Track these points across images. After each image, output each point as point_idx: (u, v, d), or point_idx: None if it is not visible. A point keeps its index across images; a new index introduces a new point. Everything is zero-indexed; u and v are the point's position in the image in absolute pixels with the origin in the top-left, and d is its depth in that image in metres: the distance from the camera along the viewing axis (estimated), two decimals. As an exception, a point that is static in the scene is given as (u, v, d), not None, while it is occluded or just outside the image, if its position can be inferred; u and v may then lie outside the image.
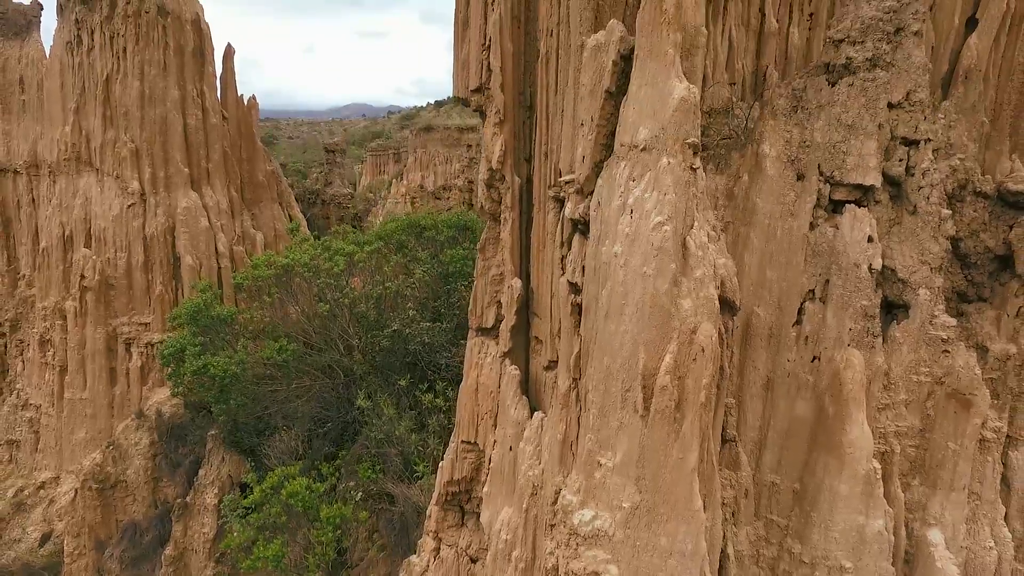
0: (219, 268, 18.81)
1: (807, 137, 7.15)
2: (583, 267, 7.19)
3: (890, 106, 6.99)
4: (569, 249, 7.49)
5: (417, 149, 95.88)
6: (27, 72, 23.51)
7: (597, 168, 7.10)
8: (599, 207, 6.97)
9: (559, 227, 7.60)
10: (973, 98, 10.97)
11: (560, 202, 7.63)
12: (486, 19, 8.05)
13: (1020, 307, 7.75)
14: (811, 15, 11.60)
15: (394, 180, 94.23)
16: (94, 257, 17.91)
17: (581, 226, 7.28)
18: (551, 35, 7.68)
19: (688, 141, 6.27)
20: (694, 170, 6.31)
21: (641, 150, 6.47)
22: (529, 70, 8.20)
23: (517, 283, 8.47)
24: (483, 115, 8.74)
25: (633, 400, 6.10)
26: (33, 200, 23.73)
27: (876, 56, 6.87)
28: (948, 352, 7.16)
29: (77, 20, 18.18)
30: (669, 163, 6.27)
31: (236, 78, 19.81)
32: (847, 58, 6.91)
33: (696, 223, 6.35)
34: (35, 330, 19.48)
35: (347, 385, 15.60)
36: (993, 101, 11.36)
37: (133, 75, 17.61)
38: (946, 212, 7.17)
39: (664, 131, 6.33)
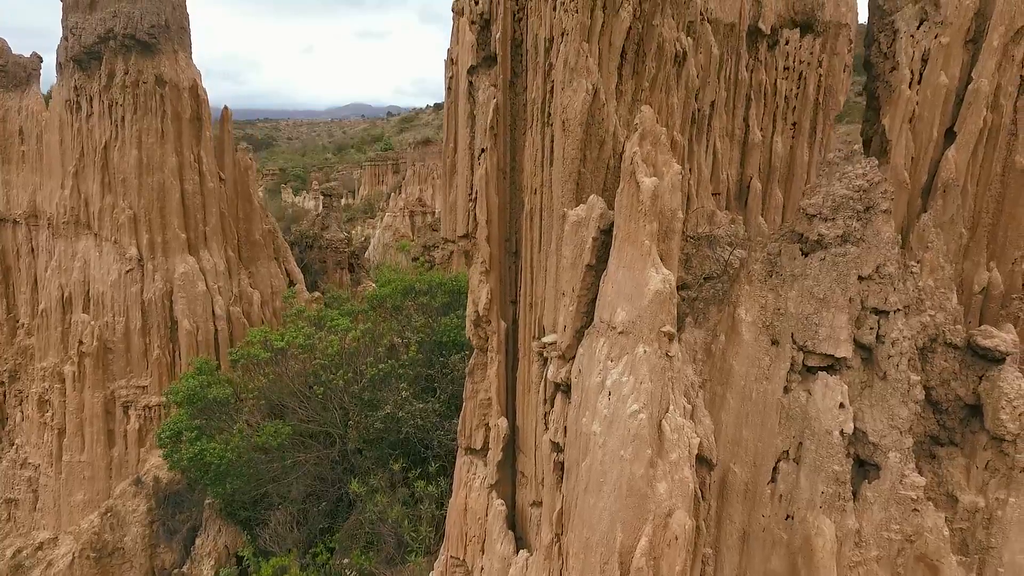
0: (216, 331, 19.06)
1: (781, 305, 7.39)
2: (565, 428, 7.43)
3: (860, 278, 7.24)
4: (552, 407, 7.74)
5: (416, 162, 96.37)
6: (27, 124, 23.73)
7: (578, 335, 7.35)
8: (580, 375, 7.22)
9: (543, 383, 7.85)
10: (951, 211, 11.26)
11: (544, 358, 7.87)
12: (472, 171, 8.30)
13: (988, 460, 7.99)
14: (794, 124, 11.91)
15: (392, 194, 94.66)
16: (92, 323, 18.14)
17: (563, 388, 7.53)
18: (535, 193, 7.93)
19: (664, 330, 6.51)
20: (670, 357, 6.55)
21: (619, 332, 6.71)
22: (515, 217, 8.45)
23: (503, 423, 8.72)
24: (468, 256, 8.99)
25: (611, 574, 6.34)
26: (32, 250, 23.96)
27: (847, 233, 7.12)
28: (918, 511, 7.40)
29: (76, 87, 18.41)
30: (645, 352, 6.51)
31: (232, 139, 20.04)
32: (819, 234, 7.15)
33: (672, 405, 6.60)
34: (34, 389, 19.71)
35: (342, 457, 15.85)
36: (972, 210, 11.66)
37: (131, 143, 17.84)
38: (915, 378, 7.41)
39: (640, 319, 6.58)
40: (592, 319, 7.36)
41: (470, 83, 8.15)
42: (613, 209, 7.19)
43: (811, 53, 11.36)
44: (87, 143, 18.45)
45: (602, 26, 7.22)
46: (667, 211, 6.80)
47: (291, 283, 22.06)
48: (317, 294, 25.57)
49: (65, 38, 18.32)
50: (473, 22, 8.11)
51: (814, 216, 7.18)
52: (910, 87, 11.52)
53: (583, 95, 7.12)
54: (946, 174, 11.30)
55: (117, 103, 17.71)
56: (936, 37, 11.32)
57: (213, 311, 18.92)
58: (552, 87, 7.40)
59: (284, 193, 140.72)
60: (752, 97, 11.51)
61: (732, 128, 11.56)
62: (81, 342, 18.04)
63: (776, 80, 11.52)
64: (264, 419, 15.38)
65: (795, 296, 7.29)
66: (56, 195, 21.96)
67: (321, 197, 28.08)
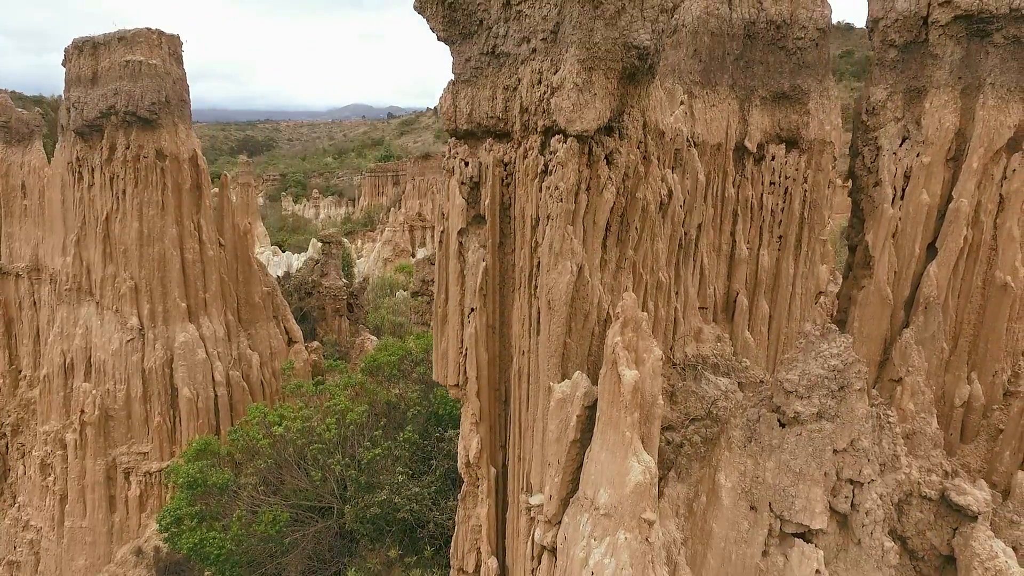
0: (216, 396, 19.36)
1: (760, 473, 7.66)
2: (552, 589, 7.69)
3: (835, 451, 7.50)
4: (539, 563, 8.02)
5: (415, 177, 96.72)
6: (29, 179, 24.02)
7: (564, 503, 7.63)
8: (565, 542, 7.50)
9: (530, 540, 8.12)
10: (933, 328, 11.54)
11: (532, 516, 8.13)
12: (463, 326, 8.56)
13: (963, 614, 8.25)
14: (780, 237, 12.18)
15: (392, 208, 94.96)
16: (94, 392, 18.42)
17: (550, 549, 7.80)
18: (523, 355, 8.20)
19: (644, 517, 6.78)
20: (650, 542, 6.82)
21: (602, 514, 6.99)
22: (505, 368, 8.72)
23: (493, 563, 9.00)
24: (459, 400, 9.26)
25: None
26: (35, 303, 24.26)
27: (822, 410, 7.38)
28: (892, 672, 7.67)
29: (78, 157, 18.67)
30: (626, 538, 6.79)
31: (231, 204, 20.32)
32: (795, 411, 7.41)
33: (653, 584, 6.86)
34: (36, 453, 20.00)
35: (340, 532, 16.12)
36: (953, 323, 11.95)
37: (132, 216, 18.11)
38: (889, 544, 7.66)
39: (622, 504, 6.85)
40: (578, 485, 7.64)
41: (460, 243, 8.42)
42: (597, 384, 7.48)
43: (796, 169, 11.65)
44: (89, 212, 18.72)
45: (587, 207, 7.49)
46: (648, 397, 7.07)
47: (290, 341, 22.36)
48: (316, 344, 25.87)
49: (67, 109, 18.59)
50: (463, 183, 8.37)
51: (791, 392, 7.45)
52: (893, 204, 11.81)
53: (568, 276, 7.40)
54: (928, 290, 11.59)
55: (118, 176, 17.99)
56: (918, 155, 11.62)
57: (213, 377, 19.21)
58: (538, 263, 7.66)
59: (284, 201, 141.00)
60: (739, 213, 11.79)
61: (719, 243, 11.84)
62: (83, 411, 18.33)
63: (763, 195, 11.80)
64: (263, 493, 15.65)
65: (773, 467, 7.55)
66: (58, 252, 22.27)
67: (320, 244, 28.34)
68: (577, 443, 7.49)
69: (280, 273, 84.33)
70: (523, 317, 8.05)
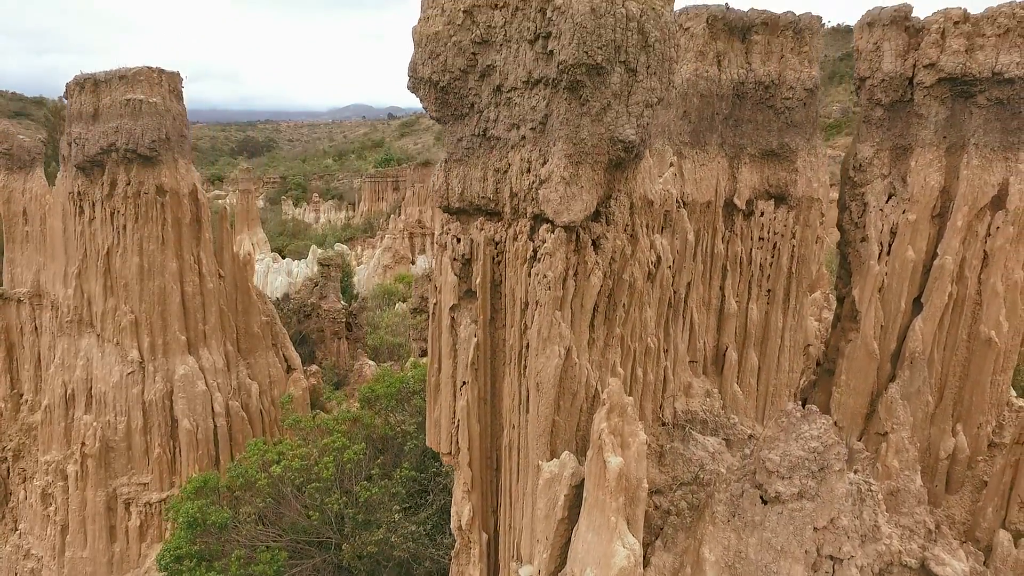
0: (215, 427, 19.59)
1: (743, 548, 7.87)
2: (541, 662, 7.91)
3: (815, 529, 7.71)
4: (529, 634, 8.24)
5: (415, 184, 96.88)
6: (30, 205, 24.25)
7: (552, 577, 7.85)
8: (554, 619, 7.72)
9: (521, 610, 8.35)
10: (918, 382, 11.75)
11: (521, 586, 8.37)
12: (455, 398, 8.78)
13: None
14: (769, 291, 12.37)
15: (392, 215, 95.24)
16: (95, 424, 18.65)
17: (539, 622, 8.02)
18: (513, 428, 8.42)
19: (629, 601, 6.99)
20: (635, 624, 7.04)
21: (588, 595, 7.21)
22: (496, 436, 8.94)
23: (485, 625, 9.23)
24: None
25: None
26: (36, 328, 24.48)
27: (803, 490, 7.59)
28: None
29: (80, 192, 18.89)
30: (612, 624, 6.99)
31: (232, 240, 20.56)
32: (776, 491, 7.62)
33: (637, 664, 7.08)
34: (38, 483, 20.25)
35: (338, 569, 16.35)
36: (939, 374, 12.16)
37: (133, 251, 18.33)
38: (869, 620, 7.87)
39: (608, 589, 7.06)
40: (565, 560, 7.86)
41: (452, 318, 8.63)
42: (584, 464, 7.71)
43: (784, 225, 11.85)
44: (90, 246, 18.94)
45: (575, 291, 7.71)
46: (633, 481, 7.29)
47: (289, 368, 22.59)
48: (315, 368, 26.12)
49: (69, 144, 18.80)
50: (455, 259, 8.59)
51: (772, 472, 7.66)
52: (879, 260, 12.01)
53: (556, 360, 7.62)
54: (913, 344, 11.80)
55: (119, 212, 18.21)
56: (904, 212, 11.81)
57: (212, 408, 19.44)
58: (527, 344, 7.88)
59: (284, 205, 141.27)
60: (728, 268, 11.99)
61: (709, 298, 12.06)
62: (84, 443, 18.56)
63: (751, 249, 12.01)
64: (261, 530, 15.88)
65: (755, 543, 7.76)
66: (59, 279, 22.50)
67: (319, 267, 28.57)
68: (565, 521, 7.71)
69: (279, 294, 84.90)
70: (513, 393, 8.27)
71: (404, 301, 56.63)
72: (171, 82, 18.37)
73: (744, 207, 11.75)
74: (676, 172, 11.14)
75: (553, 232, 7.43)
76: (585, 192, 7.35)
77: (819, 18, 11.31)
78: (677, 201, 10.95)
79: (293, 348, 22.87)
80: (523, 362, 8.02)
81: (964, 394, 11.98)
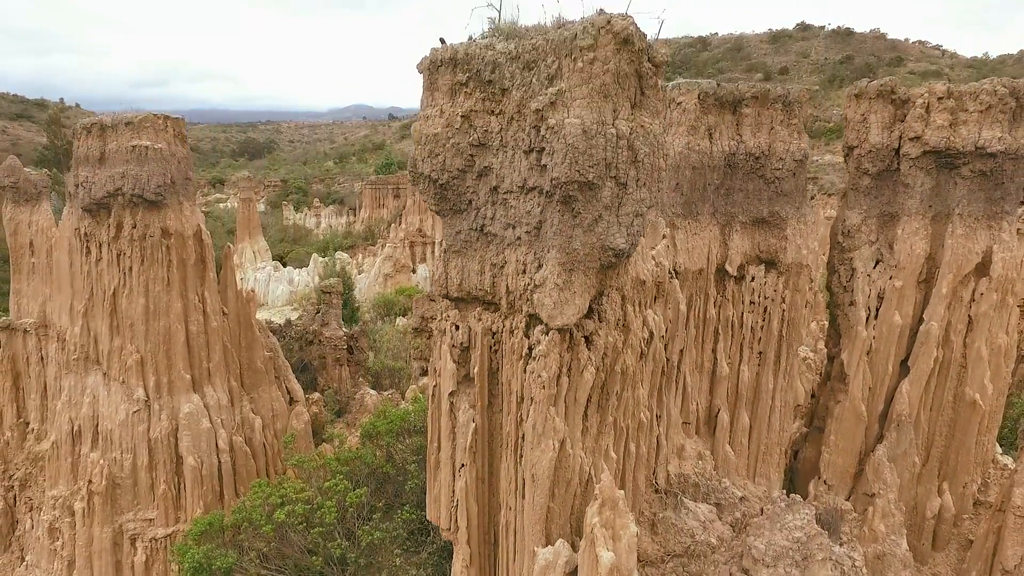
0: (219, 463, 19.94)
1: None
2: None
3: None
4: None
5: (415, 193, 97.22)
6: (37, 238, 24.60)
7: (547, 659, 8.17)
8: None
9: None
10: (905, 444, 12.08)
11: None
12: (454, 478, 9.12)
13: None
14: (760, 353, 12.69)
15: (393, 224, 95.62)
16: (101, 462, 19.00)
17: None
18: (510, 510, 8.75)
19: None
20: None
21: None
22: (494, 513, 9.27)
23: None
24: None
25: None
26: (42, 359, 24.82)
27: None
28: None
29: (86, 233, 19.23)
30: None
31: (234, 273, 20.90)
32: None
33: None
34: (45, 516, 20.59)
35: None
36: (926, 434, 12.48)
37: (139, 292, 18.67)
38: None
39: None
40: (560, 642, 8.19)
41: (451, 403, 8.96)
42: (577, 551, 8.05)
43: (775, 290, 12.18)
44: (96, 286, 19.28)
45: (568, 386, 8.04)
46: (624, 571, 7.63)
47: (291, 400, 22.93)
48: (317, 396, 26.46)
49: (76, 185, 19.15)
50: (454, 346, 8.92)
51: (758, 560, 8.00)
52: (867, 324, 12.33)
53: (551, 453, 7.95)
54: (900, 407, 12.13)
55: (125, 254, 18.55)
56: (891, 279, 12.13)
57: (217, 444, 19.78)
58: (523, 436, 8.22)
59: (286, 210, 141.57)
60: (720, 331, 12.32)
61: (701, 360, 12.39)
62: (91, 480, 18.91)
63: (743, 313, 12.34)
64: (265, 569, 16.22)
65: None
66: (65, 311, 22.86)
67: (320, 294, 28.93)
68: (560, 604, 8.04)
69: (280, 302, 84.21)
70: (510, 478, 8.60)
71: (404, 315, 56.96)
72: (175, 127, 18.71)
73: (735, 272, 12.08)
74: (669, 244, 11.47)
75: (547, 334, 7.76)
76: (578, 296, 7.68)
77: (808, 90, 11.65)
78: (670, 272, 11.30)
79: (295, 380, 23.21)
80: (519, 451, 8.35)
81: (950, 454, 12.31)
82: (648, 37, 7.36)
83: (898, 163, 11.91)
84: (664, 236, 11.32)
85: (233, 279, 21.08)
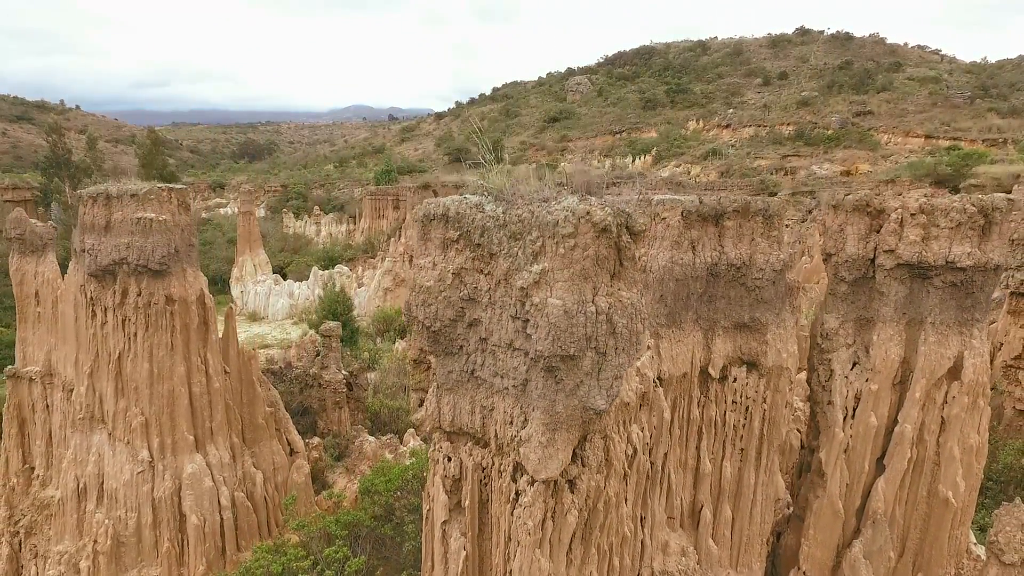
0: (222, 520, 20.46)
1: None
2: None
3: None
4: None
5: (415, 206, 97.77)
6: (43, 289, 25.11)
7: None
8: None
9: None
10: (880, 541, 12.60)
11: None
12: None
13: None
14: (742, 450, 13.22)
15: (392, 239, 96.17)
16: (107, 522, 19.53)
17: None
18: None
19: None
20: None
21: None
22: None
23: None
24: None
25: None
26: (47, 407, 25.35)
27: None
28: None
29: (92, 297, 19.74)
30: None
31: (236, 333, 21.44)
32: None
33: None
34: (51, 572, 21.12)
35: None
36: (901, 529, 13.01)
37: (143, 357, 19.18)
38: None
39: None
40: None
41: (443, 531, 9.48)
42: None
43: (756, 391, 12.69)
44: (102, 348, 19.79)
45: (552, 529, 8.56)
46: None
47: (292, 451, 23.45)
48: (317, 441, 26.98)
49: (82, 251, 19.65)
50: (446, 476, 9.44)
51: None
52: (844, 423, 12.86)
53: (536, 594, 8.46)
54: (876, 504, 12.66)
55: (130, 320, 19.07)
56: (867, 381, 12.66)
57: (219, 502, 20.30)
58: (511, 571, 8.73)
59: (286, 217, 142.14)
60: (704, 430, 12.85)
61: (685, 458, 12.92)
62: (96, 540, 19.44)
63: (725, 412, 12.86)
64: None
65: None
66: (70, 361, 23.40)
67: (320, 338, 29.44)
68: None
69: (281, 316, 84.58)
70: (499, 606, 9.11)
71: (403, 336, 57.47)
72: (180, 197, 19.22)
73: (718, 375, 12.60)
74: (654, 354, 11.99)
75: (532, 484, 8.28)
76: (561, 452, 8.19)
77: (785, 202, 12.17)
78: (654, 381, 11.82)
79: (295, 431, 23.73)
80: (507, 585, 8.85)
81: (924, 548, 12.83)
82: (627, 214, 7.87)
83: (873, 272, 12.42)
84: (648, 348, 11.84)
85: (235, 338, 21.60)
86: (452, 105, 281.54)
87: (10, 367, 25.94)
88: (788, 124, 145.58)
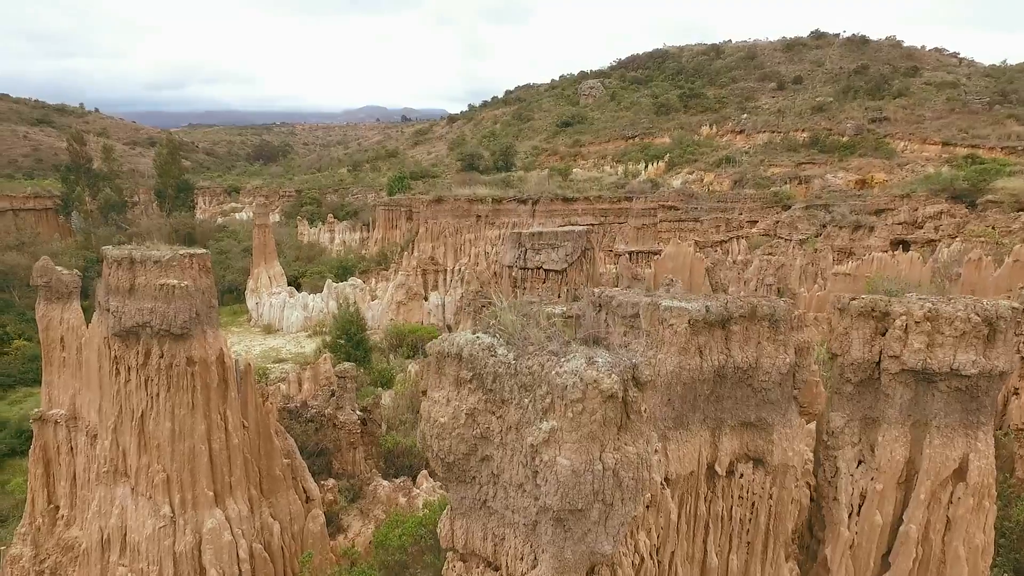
0: (240, 573, 20.98)
1: None
2: None
3: None
4: None
5: (428, 220, 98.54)
6: (68, 335, 25.80)
7: None
8: None
9: None
10: (884, 638, 12.79)
11: None
12: None
13: None
14: (748, 543, 13.46)
15: (405, 252, 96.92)
16: (130, 575, 20.13)
17: None
18: None
19: None
20: None
21: None
22: None
23: None
24: None
25: None
26: (72, 449, 26.06)
27: None
28: None
29: (116, 356, 20.32)
30: None
31: (255, 390, 21.95)
32: None
33: None
34: (76, 619, 21.81)
35: None
36: (905, 623, 13.14)
37: (165, 416, 19.73)
38: None
39: None
40: None
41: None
42: None
43: (762, 487, 12.95)
44: (125, 405, 20.37)
45: (561, 660, 8.89)
46: None
47: (308, 499, 23.95)
48: (332, 483, 27.49)
49: (107, 310, 20.24)
50: (459, 598, 9.80)
51: None
52: (850, 520, 13.09)
53: None
54: (879, 602, 12.85)
55: (152, 380, 19.62)
56: (872, 480, 12.89)
57: (238, 554, 20.83)
58: None
59: (300, 225, 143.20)
60: (711, 524, 13.13)
61: (692, 552, 13.20)
62: (120, 594, 20.06)
63: (732, 507, 13.12)
64: None
65: None
66: (94, 407, 24.05)
67: (336, 379, 29.92)
68: None
69: (295, 328, 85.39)
70: None
71: (413, 356, 57.96)
72: (201, 263, 19.75)
73: (724, 472, 12.88)
74: (661, 456, 12.29)
75: (542, 623, 8.62)
76: (570, 593, 8.53)
77: (793, 307, 12.43)
78: (661, 483, 12.13)
79: (311, 479, 24.22)
80: None
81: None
82: (633, 367, 8.18)
83: (879, 374, 12.64)
84: (656, 451, 12.15)
85: (254, 394, 22.12)
86: (465, 107, 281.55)
87: (36, 410, 26.66)
88: (803, 130, 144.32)
